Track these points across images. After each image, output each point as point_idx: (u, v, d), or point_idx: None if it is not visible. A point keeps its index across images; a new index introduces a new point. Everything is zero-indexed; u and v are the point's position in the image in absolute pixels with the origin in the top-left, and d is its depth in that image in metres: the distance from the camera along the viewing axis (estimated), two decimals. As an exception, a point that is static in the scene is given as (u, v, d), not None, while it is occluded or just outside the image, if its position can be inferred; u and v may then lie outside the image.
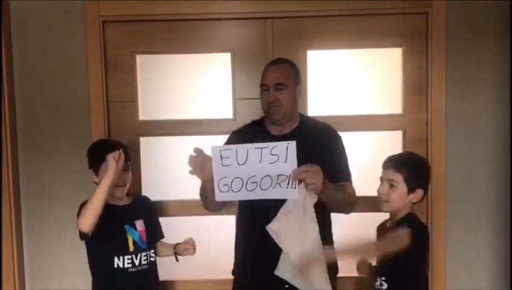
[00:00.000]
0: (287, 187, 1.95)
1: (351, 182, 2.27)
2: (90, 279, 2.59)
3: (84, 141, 2.64)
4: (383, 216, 2.74)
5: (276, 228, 2.02)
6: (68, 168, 2.67)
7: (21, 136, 2.66)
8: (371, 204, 2.65)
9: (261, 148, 1.94)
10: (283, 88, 2.17)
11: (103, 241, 2.20)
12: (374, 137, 2.76)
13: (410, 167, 2.07)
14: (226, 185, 2.00)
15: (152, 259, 2.32)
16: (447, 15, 2.59)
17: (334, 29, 2.67)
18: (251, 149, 1.96)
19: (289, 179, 1.94)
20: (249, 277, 2.22)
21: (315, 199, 2.00)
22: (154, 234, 2.37)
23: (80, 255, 2.66)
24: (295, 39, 2.67)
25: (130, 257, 2.24)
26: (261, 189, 1.96)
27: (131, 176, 2.34)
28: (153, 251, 2.33)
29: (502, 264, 2.62)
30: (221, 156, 1.98)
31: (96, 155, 2.24)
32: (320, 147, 2.19)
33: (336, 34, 2.68)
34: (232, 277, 2.74)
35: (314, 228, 2.00)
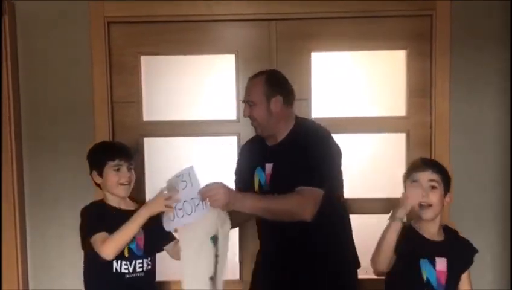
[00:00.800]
0: (202, 209, 1.98)
1: (309, 185, 2.07)
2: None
3: (88, 141, 2.64)
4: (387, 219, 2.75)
5: (181, 230, 2.04)
6: (72, 170, 2.67)
7: (25, 137, 2.67)
8: (374, 206, 2.67)
9: (178, 176, 2.02)
10: (252, 104, 2.19)
11: None
12: (378, 139, 2.76)
13: (442, 168, 2.01)
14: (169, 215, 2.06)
15: (149, 267, 2.22)
16: (451, 17, 2.59)
17: (338, 31, 2.68)
18: (174, 179, 2.03)
19: (200, 201, 1.98)
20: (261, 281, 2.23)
21: (223, 214, 2.00)
22: (159, 241, 2.25)
23: (81, 256, 2.67)
24: (299, 41, 2.67)
25: (126, 262, 2.19)
26: (187, 214, 2.01)
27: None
28: (150, 258, 2.22)
29: (504, 266, 2.61)
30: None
31: (100, 158, 2.22)
32: (305, 153, 2.12)
33: (340, 36, 2.68)
34: (237, 277, 2.76)
35: (207, 247, 1.99)
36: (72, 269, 2.69)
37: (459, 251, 1.99)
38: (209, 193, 1.95)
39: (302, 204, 2.03)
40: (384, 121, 2.73)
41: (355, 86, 2.76)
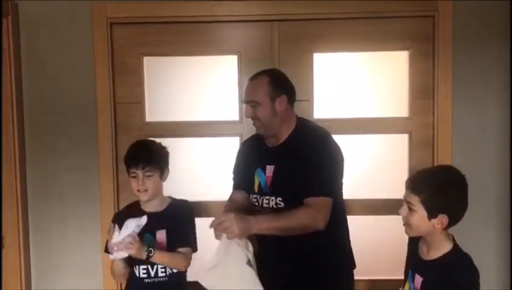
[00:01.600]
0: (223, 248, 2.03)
1: (320, 195, 2.08)
2: (95, 279, 2.61)
3: (91, 142, 2.66)
4: (392, 219, 2.75)
5: (209, 280, 2.03)
6: (75, 169, 2.68)
7: (28, 137, 2.68)
8: (376, 207, 2.67)
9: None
10: (255, 105, 2.18)
11: None
12: (380, 140, 2.76)
13: (430, 188, 1.76)
14: None
15: (174, 270, 2.21)
16: (454, 18, 2.59)
17: (340, 31, 2.68)
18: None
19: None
20: None
21: (243, 241, 2.03)
22: (177, 244, 2.23)
23: (85, 255, 2.68)
24: (301, 42, 2.67)
25: (145, 267, 2.20)
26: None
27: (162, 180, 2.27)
28: None
29: (504, 266, 2.61)
30: None
31: (125, 163, 2.25)
32: (308, 157, 2.10)
33: (343, 36, 2.68)
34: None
35: (248, 270, 2.02)
36: (74, 269, 2.71)
37: (437, 273, 1.78)
38: (223, 226, 1.98)
39: (315, 216, 2.05)
40: (387, 122, 2.72)
41: (358, 87, 2.76)
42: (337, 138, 2.23)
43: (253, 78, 2.25)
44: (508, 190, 2.64)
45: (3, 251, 2.63)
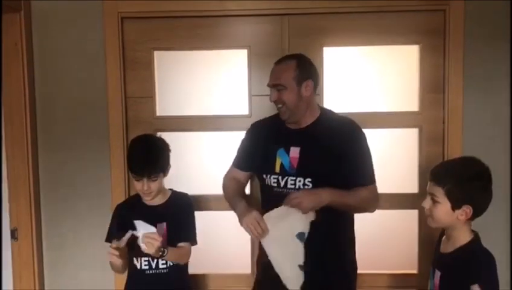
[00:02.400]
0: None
1: (371, 184, 2.23)
2: (106, 271, 2.63)
3: (102, 136, 2.68)
4: (402, 214, 2.75)
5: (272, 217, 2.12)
6: (87, 164, 2.71)
7: (41, 131, 2.71)
8: (386, 201, 2.67)
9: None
10: (282, 88, 2.18)
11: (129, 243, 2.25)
12: (391, 134, 2.76)
13: (454, 179, 1.76)
14: None
15: (174, 262, 2.26)
16: (465, 12, 2.57)
17: (350, 26, 2.67)
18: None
19: None
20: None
21: (311, 217, 2.10)
22: (177, 237, 2.27)
23: (96, 248, 2.71)
24: (311, 36, 2.67)
25: (146, 258, 2.25)
26: None
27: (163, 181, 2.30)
28: None
29: (504, 266, 2.60)
30: None
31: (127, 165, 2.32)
32: (339, 144, 2.16)
33: (353, 31, 2.67)
34: (246, 271, 2.77)
35: (296, 243, 2.09)
36: (85, 261, 2.74)
37: (453, 266, 1.80)
38: (297, 201, 2.05)
39: (373, 201, 2.23)
40: (397, 116, 2.72)
41: (368, 81, 2.76)
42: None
43: (280, 61, 2.25)
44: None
45: (17, 243, 2.68)
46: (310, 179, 2.16)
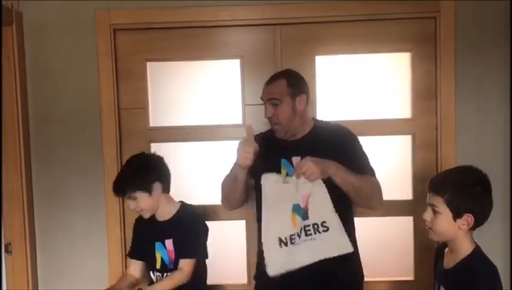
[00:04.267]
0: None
1: (373, 176, 2.24)
2: (101, 283, 2.61)
3: (96, 147, 2.68)
4: (397, 221, 2.75)
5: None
6: (80, 176, 2.70)
7: (34, 143, 2.70)
8: (381, 208, 2.67)
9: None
10: (277, 103, 2.19)
11: (140, 256, 2.36)
12: (384, 141, 2.76)
13: (453, 188, 1.73)
14: None
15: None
16: (456, 19, 2.59)
17: (342, 34, 2.69)
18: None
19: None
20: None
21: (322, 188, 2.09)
22: (181, 254, 2.27)
23: (91, 260, 2.70)
24: (304, 45, 2.68)
25: (159, 274, 2.29)
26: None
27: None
28: None
29: (504, 266, 2.61)
30: None
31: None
32: (335, 149, 2.18)
33: (344, 39, 2.69)
34: (244, 281, 2.76)
35: (287, 216, 2.09)
36: (80, 273, 2.72)
37: (455, 281, 1.76)
38: (303, 170, 2.04)
39: (377, 192, 2.20)
40: (390, 124, 2.73)
41: (361, 89, 2.77)
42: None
43: (271, 81, 2.26)
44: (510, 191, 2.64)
45: (10, 257, 2.65)
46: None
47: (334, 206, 2.09)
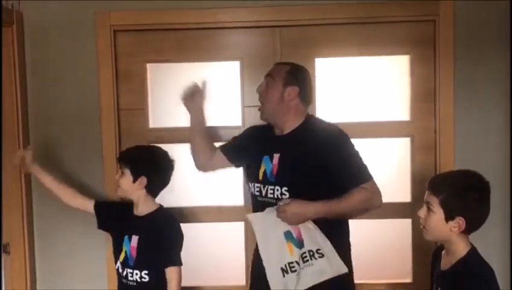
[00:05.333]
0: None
1: (366, 182, 2.14)
2: (100, 284, 2.61)
3: (95, 148, 2.68)
4: (395, 223, 2.75)
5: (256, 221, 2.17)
6: (79, 176, 2.70)
7: (33, 143, 2.69)
8: (378, 211, 2.67)
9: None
10: (271, 81, 2.21)
11: (113, 244, 2.36)
12: (382, 144, 2.77)
13: (450, 189, 1.73)
14: None
15: (144, 280, 2.21)
16: (455, 22, 2.60)
17: (342, 37, 2.70)
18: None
19: None
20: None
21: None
22: (160, 258, 2.23)
23: (90, 261, 2.70)
24: (303, 47, 2.69)
25: (122, 267, 2.28)
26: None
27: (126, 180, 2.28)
28: (146, 272, 2.21)
29: (504, 266, 2.62)
30: None
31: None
32: (320, 149, 2.12)
33: (344, 42, 2.70)
34: (240, 283, 2.75)
35: (283, 244, 2.11)
36: (80, 274, 2.72)
37: (450, 284, 1.77)
38: (281, 215, 2.08)
39: (371, 199, 2.14)
40: (389, 126, 2.74)
41: (359, 91, 2.77)
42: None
43: (280, 62, 2.34)
44: (509, 192, 2.64)
45: (9, 257, 2.65)
46: (286, 188, 2.14)
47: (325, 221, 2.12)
